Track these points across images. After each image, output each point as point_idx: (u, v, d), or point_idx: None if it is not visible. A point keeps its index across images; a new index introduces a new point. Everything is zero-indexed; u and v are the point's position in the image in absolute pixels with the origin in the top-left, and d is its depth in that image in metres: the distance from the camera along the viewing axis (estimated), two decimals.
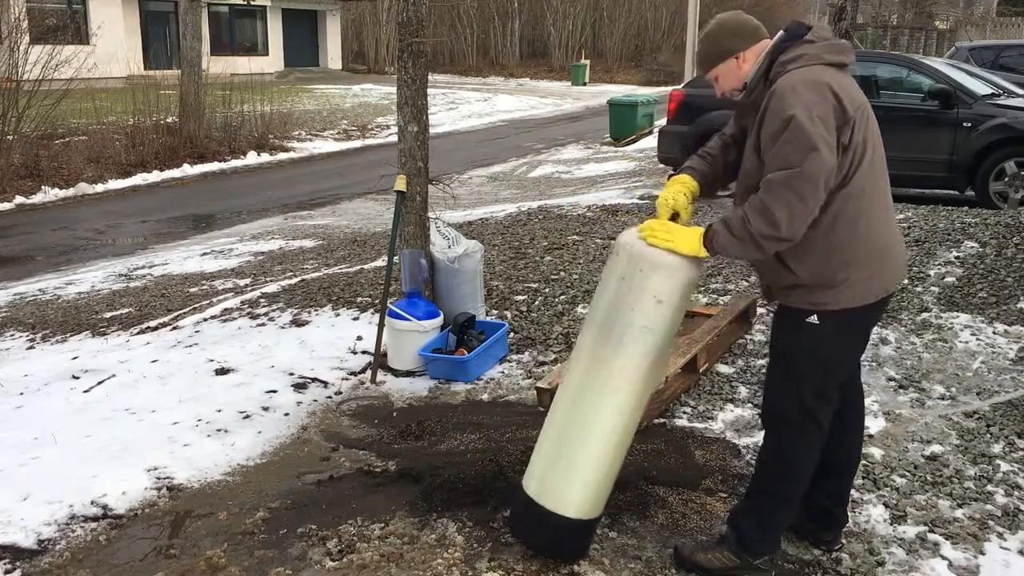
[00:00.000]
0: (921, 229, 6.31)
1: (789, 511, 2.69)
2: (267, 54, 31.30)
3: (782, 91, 2.38)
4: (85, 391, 4.41)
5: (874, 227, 2.47)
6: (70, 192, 11.58)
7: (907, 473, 3.31)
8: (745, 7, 33.74)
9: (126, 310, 6.01)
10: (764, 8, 37.20)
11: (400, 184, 4.55)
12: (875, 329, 4.66)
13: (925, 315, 4.87)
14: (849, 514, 3.00)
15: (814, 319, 2.49)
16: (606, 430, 2.63)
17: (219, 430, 3.82)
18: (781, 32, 2.54)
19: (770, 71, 2.47)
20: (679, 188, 2.67)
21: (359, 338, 4.82)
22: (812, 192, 2.33)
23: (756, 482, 2.70)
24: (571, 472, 2.67)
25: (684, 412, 3.90)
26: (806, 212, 2.34)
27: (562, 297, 5.32)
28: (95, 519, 3.13)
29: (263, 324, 5.25)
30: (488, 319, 4.83)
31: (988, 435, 3.60)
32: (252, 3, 26.06)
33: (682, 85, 11.05)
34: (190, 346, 4.97)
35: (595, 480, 2.67)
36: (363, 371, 4.47)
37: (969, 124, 8.27)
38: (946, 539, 2.89)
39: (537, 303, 5.23)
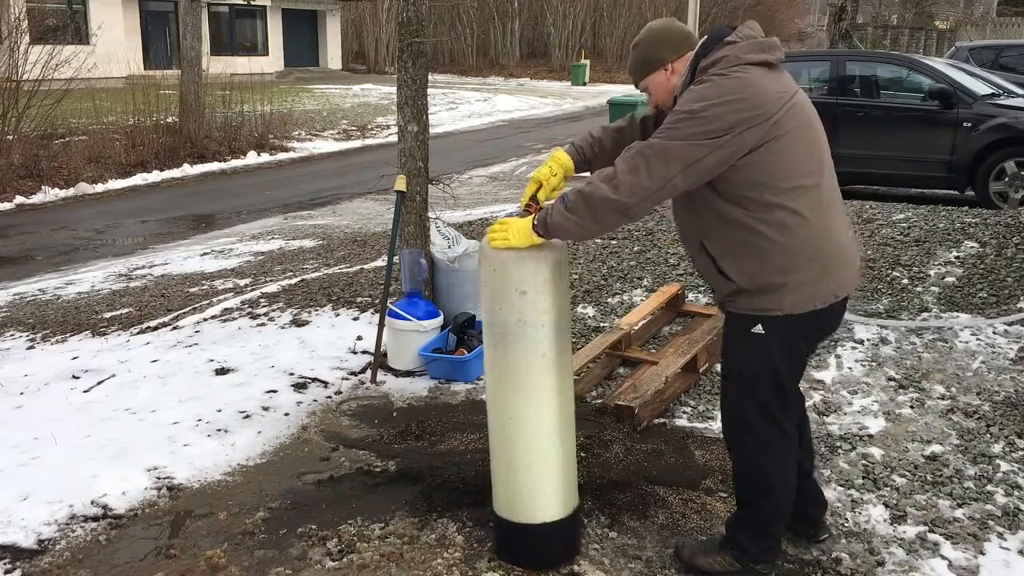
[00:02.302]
0: (921, 229, 6.31)
1: (782, 517, 2.68)
2: (267, 54, 31.32)
3: (693, 90, 2.36)
4: (85, 391, 4.41)
5: (814, 231, 2.38)
6: (70, 192, 11.57)
7: (907, 473, 3.31)
8: (745, 7, 33.83)
9: (126, 310, 6.01)
10: (764, 8, 37.22)
11: (400, 184, 4.55)
12: (875, 329, 4.69)
13: (925, 315, 4.87)
14: (849, 514, 3.01)
15: (759, 329, 2.45)
16: (535, 429, 2.64)
17: (219, 430, 3.82)
18: (705, 37, 2.50)
19: (693, 80, 2.42)
20: (549, 162, 2.69)
21: (359, 338, 4.82)
22: (660, 168, 2.30)
23: (741, 496, 2.68)
24: (525, 480, 2.68)
25: (684, 412, 3.90)
26: (649, 187, 2.32)
27: None
28: (95, 519, 3.13)
29: (263, 324, 5.25)
30: None
31: (988, 435, 3.60)
32: (252, 3, 26.08)
33: None
34: (190, 346, 4.97)
35: (550, 479, 2.68)
36: (363, 371, 4.47)
37: (969, 124, 8.28)
38: (946, 539, 2.89)
39: None
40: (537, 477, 2.67)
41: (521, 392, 2.62)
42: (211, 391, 4.24)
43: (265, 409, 4.04)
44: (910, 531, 2.94)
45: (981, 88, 8.77)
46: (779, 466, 2.60)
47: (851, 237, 2.54)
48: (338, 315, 5.25)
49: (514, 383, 2.62)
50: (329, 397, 4.20)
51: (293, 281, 6.17)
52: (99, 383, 4.49)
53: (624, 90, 25.06)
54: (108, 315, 5.90)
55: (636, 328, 4.56)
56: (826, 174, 2.46)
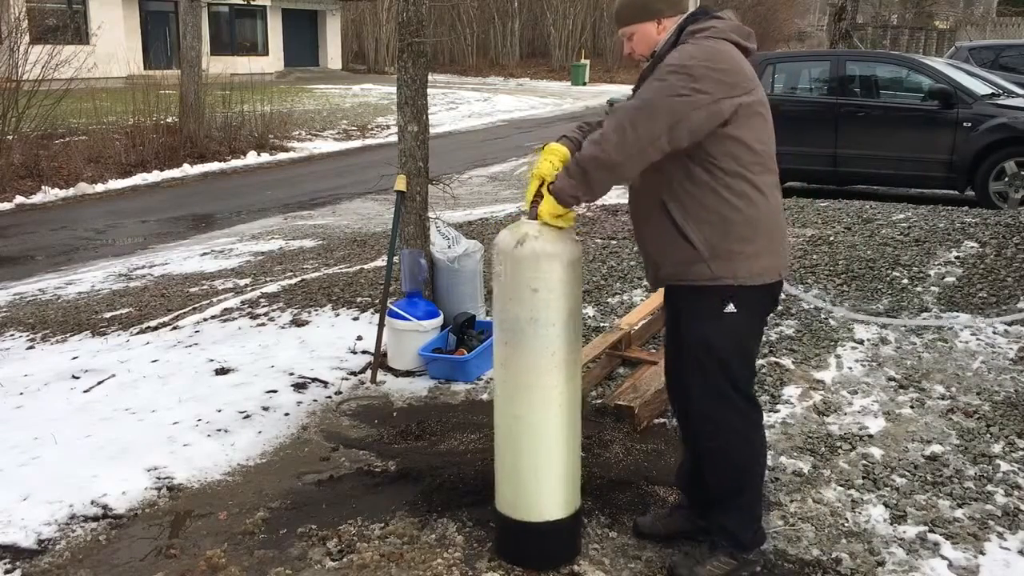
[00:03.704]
0: (921, 229, 6.31)
1: (761, 492, 2.76)
2: (267, 54, 31.32)
3: (682, 49, 2.44)
4: (85, 391, 4.41)
5: (770, 209, 2.51)
6: (70, 192, 11.57)
7: (907, 473, 3.31)
8: (745, 7, 33.84)
9: (126, 310, 6.01)
10: (764, 8, 37.20)
11: (400, 184, 4.55)
12: (875, 329, 4.69)
13: (925, 315, 4.86)
14: (849, 514, 3.01)
15: (731, 307, 2.50)
16: (542, 428, 2.64)
17: (219, 430, 3.82)
18: (690, 11, 2.60)
19: (678, 41, 2.50)
20: (550, 156, 2.68)
21: (359, 338, 4.82)
22: (646, 125, 2.35)
23: (726, 484, 2.66)
24: (529, 479, 2.68)
25: None
26: (635, 143, 2.36)
27: None
28: (95, 519, 3.14)
29: (263, 324, 5.25)
30: (488, 319, 4.82)
31: (988, 435, 3.60)
32: (252, 3, 26.05)
33: None
34: (190, 346, 4.97)
35: (554, 479, 2.68)
36: (363, 371, 4.48)
37: (969, 124, 8.28)
38: (946, 539, 2.89)
39: None
40: (542, 476, 2.67)
41: (529, 391, 2.62)
42: (211, 391, 4.25)
43: (265, 409, 4.04)
44: (910, 531, 2.94)
45: (981, 88, 8.77)
46: (760, 442, 2.67)
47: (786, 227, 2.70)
48: (338, 315, 5.25)
49: (523, 381, 2.62)
50: (329, 397, 4.20)
51: (293, 281, 6.17)
52: (99, 383, 4.49)
53: (624, 90, 25.07)
54: (108, 315, 5.90)
55: (636, 328, 4.56)
56: (775, 164, 2.58)
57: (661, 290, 5.25)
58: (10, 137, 11.71)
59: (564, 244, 2.57)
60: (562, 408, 2.65)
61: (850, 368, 4.27)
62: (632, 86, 2.76)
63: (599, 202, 8.56)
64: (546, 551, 2.76)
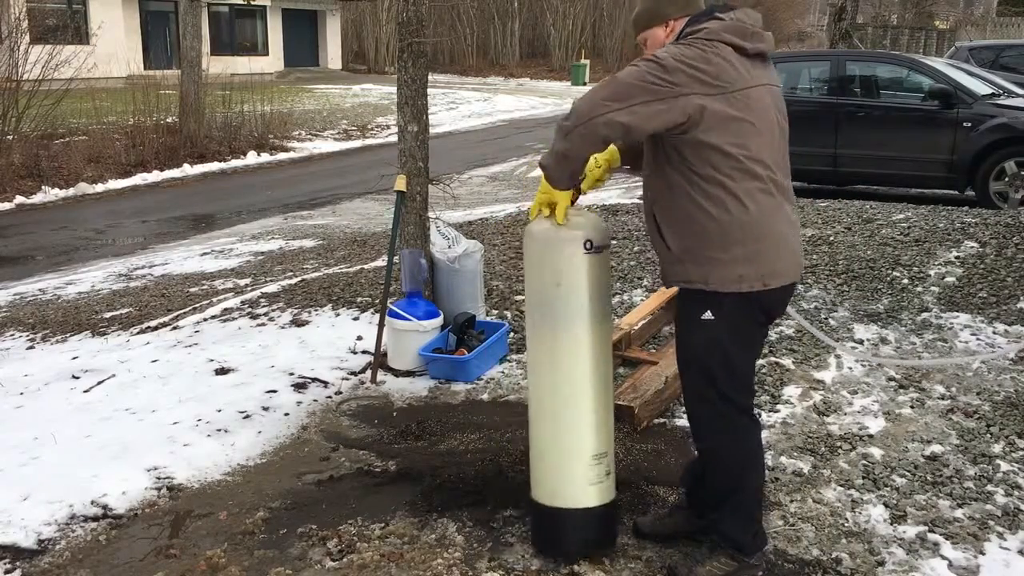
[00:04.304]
0: (921, 229, 6.31)
1: (761, 497, 2.75)
2: (267, 54, 31.32)
3: (667, 46, 2.47)
4: (85, 391, 4.41)
5: (750, 218, 2.43)
6: (70, 192, 11.58)
7: (907, 473, 3.31)
8: (745, 7, 33.87)
9: (126, 310, 6.01)
10: (764, 8, 37.21)
11: (400, 184, 4.55)
12: (875, 328, 4.69)
13: (925, 315, 4.86)
14: (849, 514, 3.01)
15: (708, 315, 2.49)
16: (556, 409, 2.66)
17: (219, 430, 3.82)
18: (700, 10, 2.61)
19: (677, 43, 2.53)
20: (595, 155, 2.75)
21: (359, 338, 4.82)
22: (602, 92, 2.38)
23: (720, 488, 2.67)
24: (561, 464, 2.69)
25: (684, 412, 3.89)
26: (589, 110, 2.38)
27: None
28: (95, 519, 3.14)
29: (263, 324, 5.25)
30: (488, 319, 4.83)
31: (988, 435, 3.60)
32: (252, 3, 26.06)
33: None
34: (190, 346, 4.97)
35: (585, 465, 2.67)
36: (363, 371, 4.47)
37: (969, 124, 8.28)
38: (946, 539, 2.89)
39: None
40: (580, 460, 2.67)
41: (541, 368, 2.67)
42: (211, 391, 4.24)
43: (265, 409, 4.04)
44: (910, 531, 2.94)
45: (981, 88, 8.77)
46: (753, 448, 2.66)
47: (796, 235, 2.59)
48: (338, 315, 5.25)
49: (532, 358, 2.66)
50: (329, 397, 4.20)
51: (293, 281, 6.17)
52: (99, 383, 4.49)
53: None
54: (108, 315, 5.90)
55: (636, 328, 4.56)
56: (780, 175, 2.53)
57: (661, 290, 5.28)
58: (10, 137, 11.72)
59: (558, 230, 2.62)
60: (588, 384, 2.65)
61: (850, 368, 4.28)
62: None
63: (598, 201, 8.56)
64: (603, 536, 2.78)
